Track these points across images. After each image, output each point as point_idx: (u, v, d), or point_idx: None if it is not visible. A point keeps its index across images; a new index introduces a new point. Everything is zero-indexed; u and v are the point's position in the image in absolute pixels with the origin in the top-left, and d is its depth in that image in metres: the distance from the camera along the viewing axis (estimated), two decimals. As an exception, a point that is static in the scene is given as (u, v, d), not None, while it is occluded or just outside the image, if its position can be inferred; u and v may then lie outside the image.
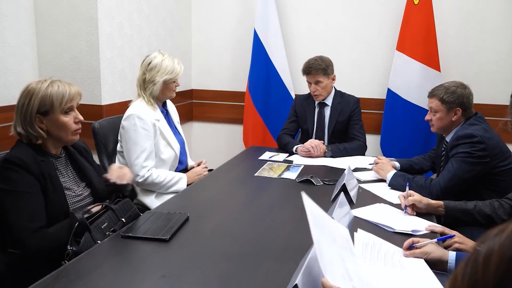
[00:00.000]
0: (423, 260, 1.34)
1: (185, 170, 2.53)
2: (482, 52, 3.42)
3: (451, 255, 1.32)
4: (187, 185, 2.35)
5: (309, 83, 2.89)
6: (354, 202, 1.95)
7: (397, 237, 1.61)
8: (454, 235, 1.41)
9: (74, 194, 1.64)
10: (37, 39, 2.72)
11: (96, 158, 2.10)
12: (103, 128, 2.37)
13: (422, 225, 1.70)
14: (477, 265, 0.53)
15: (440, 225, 1.67)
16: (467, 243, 1.59)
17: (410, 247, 1.41)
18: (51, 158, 1.62)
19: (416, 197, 1.81)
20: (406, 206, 1.80)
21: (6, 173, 1.48)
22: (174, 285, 1.25)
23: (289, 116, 3.09)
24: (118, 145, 2.39)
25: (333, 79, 2.91)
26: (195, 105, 4.16)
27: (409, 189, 1.90)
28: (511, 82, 3.30)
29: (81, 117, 1.64)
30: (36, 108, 1.55)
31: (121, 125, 2.32)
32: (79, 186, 1.69)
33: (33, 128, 1.55)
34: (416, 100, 3.38)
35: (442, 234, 1.64)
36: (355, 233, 1.46)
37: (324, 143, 2.83)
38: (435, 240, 1.39)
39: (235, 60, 3.96)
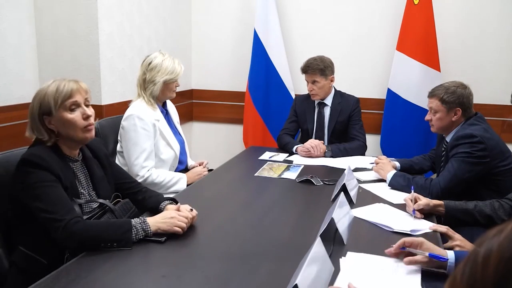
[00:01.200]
0: (419, 276, 1.29)
1: (185, 170, 2.53)
2: (482, 52, 3.42)
3: (450, 256, 1.31)
4: (187, 185, 2.35)
5: (307, 81, 2.90)
6: (354, 202, 1.95)
7: (396, 237, 1.61)
8: (447, 259, 1.31)
9: (85, 201, 1.60)
10: (37, 39, 2.72)
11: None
12: (103, 128, 2.37)
13: (421, 225, 1.70)
14: (476, 265, 0.53)
15: (445, 226, 1.67)
16: (468, 247, 1.58)
17: (402, 249, 1.37)
18: (69, 162, 1.59)
19: (424, 201, 1.81)
20: (414, 210, 1.79)
21: (25, 174, 1.45)
22: (174, 285, 1.26)
23: (289, 116, 3.09)
24: (118, 145, 2.39)
25: (332, 81, 2.90)
26: (195, 105, 4.16)
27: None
28: (511, 82, 3.31)
29: (89, 112, 1.55)
30: (37, 110, 1.51)
31: (121, 125, 2.32)
32: (91, 194, 1.64)
33: (39, 131, 1.52)
34: (416, 100, 3.38)
35: (446, 234, 1.63)
36: (341, 258, 1.39)
37: (324, 143, 2.83)
38: (427, 254, 1.30)
39: (235, 60, 3.96)
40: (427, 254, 1.30)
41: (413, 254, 1.34)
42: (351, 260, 1.38)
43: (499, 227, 0.56)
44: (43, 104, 1.51)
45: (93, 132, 1.59)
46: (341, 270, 1.30)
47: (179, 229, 1.53)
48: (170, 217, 1.55)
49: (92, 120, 1.57)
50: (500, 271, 0.51)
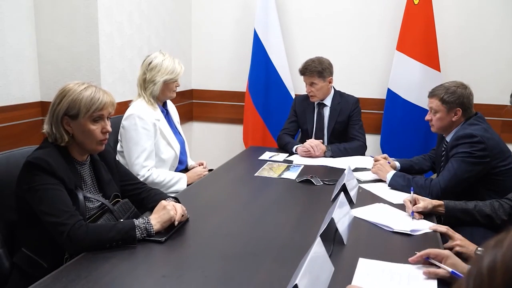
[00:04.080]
0: (435, 282, 1.27)
1: (185, 170, 2.53)
2: (482, 52, 3.42)
3: None
4: (187, 185, 2.35)
5: (305, 83, 2.90)
6: (354, 202, 1.95)
7: (396, 237, 1.62)
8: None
9: (92, 206, 1.60)
10: (37, 39, 2.72)
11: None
12: (103, 128, 2.37)
13: (421, 225, 1.70)
14: (482, 278, 0.52)
15: (445, 226, 1.67)
16: (468, 246, 1.59)
17: (426, 259, 1.34)
18: (76, 165, 1.59)
19: (424, 204, 1.80)
20: (413, 212, 1.79)
21: (30, 177, 1.45)
22: (174, 285, 1.25)
23: (289, 116, 3.09)
24: (118, 145, 2.39)
25: (330, 82, 2.89)
26: (195, 105, 4.16)
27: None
28: (511, 82, 3.31)
29: (109, 128, 1.59)
30: (65, 110, 1.52)
31: (121, 125, 2.32)
32: (97, 197, 1.63)
33: (58, 129, 1.53)
34: (416, 100, 3.38)
35: (446, 234, 1.63)
36: (360, 258, 1.39)
37: (323, 143, 2.83)
38: (450, 270, 1.27)
39: (235, 60, 3.96)
40: (450, 270, 1.27)
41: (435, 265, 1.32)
42: (364, 267, 1.35)
43: (497, 238, 0.55)
44: (71, 107, 1.52)
45: (103, 146, 1.62)
46: (354, 277, 1.29)
47: (174, 215, 1.55)
48: (163, 208, 1.57)
49: (108, 135, 1.60)
50: (507, 282, 0.50)
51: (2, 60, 2.46)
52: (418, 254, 1.35)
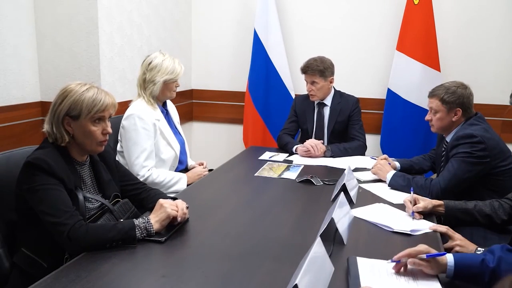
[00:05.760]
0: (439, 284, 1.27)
1: (185, 170, 2.53)
2: (482, 52, 3.42)
3: (450, 259, 1.28)
4: (187, 185, 2.36)
5: (306, 81, 2.90)
6: (354, 202, 1.95)
7: (396, 237, 1.62)
8: (445, 253, 1.30)
9: (92, 206, 1.60)
10: (37, 39, 2.72)
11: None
12: (103, 128, 2.37)
13: (421, 225, 1.70)
14: None
15: (444, 226, 1.67)
16: (468, 246, 1.59)
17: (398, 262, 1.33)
18: (76, 165, 1.60)
19: (424, 204, 1.81)
20: (413, 212, 1.79)
21: (30, 177, 1.45)
22: (174, 285, 1.25)
23: (289, 116, 3.09)
24: (118, 145, 2.39)
25: (331, 82, 2.90)
26: (195, 105, 4.16)
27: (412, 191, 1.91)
28: (511, 82, 3.31)
29: (109, 130, 1.60)
30: (66, 110, 1.52)
31: (121, 125, 2.32)
32: (97, 197, 1.64)
33: (58, 129, 1.53)
34: (416, 100, 3.38)
35: (446, 234, 1.63)
36: (358, 258, 1.38)
37: (323, 143, 2.83)
38: (424, 256, 1.28)
39: (235, 60, 3.96)
40: (424, 256, 1.28)
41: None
42: (365, 267, 1.34)
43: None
44: (73, 107, 1.52)
45: (103, 147, 1.63)
46: (360, 276, 1.28)
47: (175, 212, 1.55)
48: (160, 207, 1.56)
49: (108, 137, 1.61)
50: None
51: (2, 60, 2.46)
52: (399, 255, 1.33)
